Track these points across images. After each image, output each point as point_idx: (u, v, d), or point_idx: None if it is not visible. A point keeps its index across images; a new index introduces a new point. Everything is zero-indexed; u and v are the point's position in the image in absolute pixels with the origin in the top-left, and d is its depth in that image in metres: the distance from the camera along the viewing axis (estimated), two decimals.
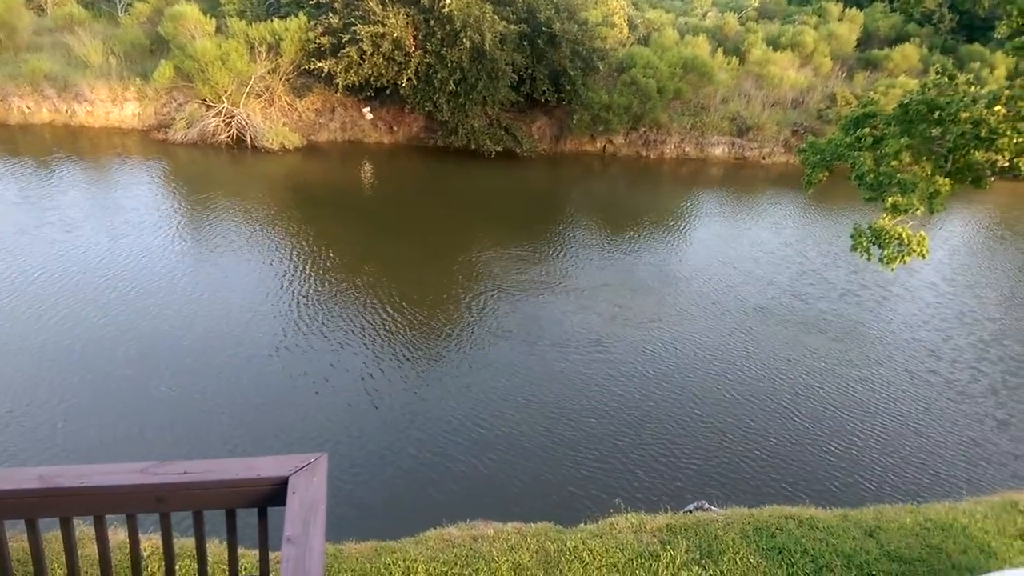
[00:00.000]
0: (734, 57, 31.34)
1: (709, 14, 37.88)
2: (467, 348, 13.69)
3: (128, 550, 3.19)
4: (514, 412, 11.57)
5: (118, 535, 5.13)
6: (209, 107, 24.02)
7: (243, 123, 23.95)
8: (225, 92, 23.79)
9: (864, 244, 9.34)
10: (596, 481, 10.04)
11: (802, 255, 19.81)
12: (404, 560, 6.28)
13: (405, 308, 14.67)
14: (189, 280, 15.01)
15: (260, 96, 24.73)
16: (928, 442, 11.73)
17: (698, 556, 6.69)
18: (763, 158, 28.79)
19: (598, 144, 28.14)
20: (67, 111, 24.28)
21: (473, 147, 25.16)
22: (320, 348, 12.92)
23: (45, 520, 3.00)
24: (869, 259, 9.40)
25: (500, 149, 25.56)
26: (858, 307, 16.84)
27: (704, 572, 6.49)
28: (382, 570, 6.15)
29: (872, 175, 9.27)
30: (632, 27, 31.88)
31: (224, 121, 23.90)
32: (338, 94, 25.50)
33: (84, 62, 24.80)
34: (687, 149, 28.52)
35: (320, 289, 15.28)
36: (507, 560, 6.43)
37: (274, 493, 2.93)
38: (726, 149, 28.78)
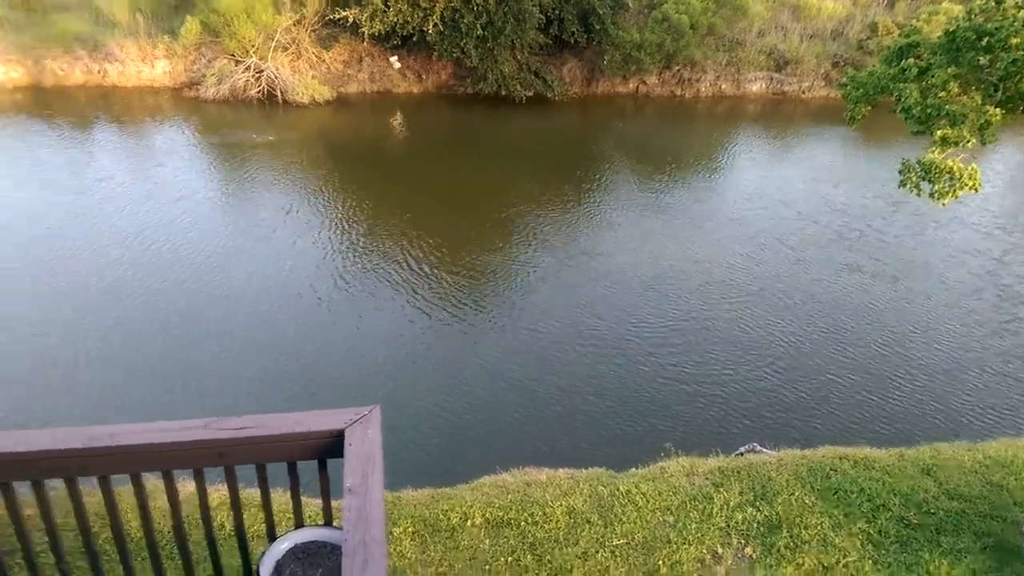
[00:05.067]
0: None
1: None
2: (509, 298, 13.66)
3: (197, 501, 3.28)
4: (561, 360, 11.56)
5: (187, 487, 5.24)
6: (238, 62, 23.87)
7: (272, 77, 23.78)
8: (252, 46, 23.59)
9: (913, 179, 9.00)
10: (647, 427, 10.03)
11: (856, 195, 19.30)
12: (461, 506, 6.35)
13: (447, 259, 14.64)
14: (232, 239, 15.14)
15: (287, 49, 24.47)
16: (986, 380, 11.50)
17: (752, 498, 6.66)
18: (803, 92, 27.88)
19: (631, 85, 27.47)
20: (99, 71, 24.26)
21: (503, 93, 24.70)
22: (362, 301, 12.99)
23: (115, 477, 3.07)
24: (919, 195, 9.07)
25: (530, 94, 25.07)
26: (910, 243, 16.44)
27: (759, 513, 6.46)
28: (440, 516, 6.23)
29: (919, 107, 8.88)
30: None
31: (254, 76, 23.75)
32: (365, 44, 25.13)
33: (112, 21, 24.70)
34: (723, 86, 27.70)
35: (362, 244, 15.29)
36: (561, 504, 6.46)
37: (331, 445, 2.96)
38: (764, 85, 27.91)
